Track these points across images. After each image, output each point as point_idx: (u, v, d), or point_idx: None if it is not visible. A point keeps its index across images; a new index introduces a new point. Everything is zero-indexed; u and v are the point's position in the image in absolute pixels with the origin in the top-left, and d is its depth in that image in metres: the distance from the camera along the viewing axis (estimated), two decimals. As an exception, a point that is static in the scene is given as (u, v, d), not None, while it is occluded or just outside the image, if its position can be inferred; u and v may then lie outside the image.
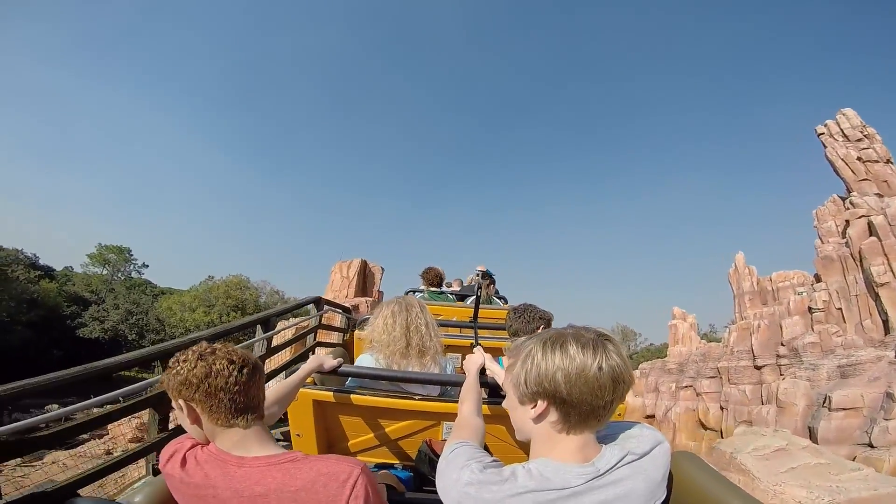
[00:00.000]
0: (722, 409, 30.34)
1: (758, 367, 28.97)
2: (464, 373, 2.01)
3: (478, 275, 3.54)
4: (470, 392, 1.69)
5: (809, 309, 28.08)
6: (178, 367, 1.17)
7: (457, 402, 1.79)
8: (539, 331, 1.69)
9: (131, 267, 57.18)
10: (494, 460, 1.09)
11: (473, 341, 2.44)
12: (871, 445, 21.04)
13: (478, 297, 2.92)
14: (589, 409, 1.01)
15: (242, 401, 1.19)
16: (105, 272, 52.90)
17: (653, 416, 34.85)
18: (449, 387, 2.27)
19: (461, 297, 5.15)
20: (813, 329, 27.31)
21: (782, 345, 28.12)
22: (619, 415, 1.44)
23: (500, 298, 5.55)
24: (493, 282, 5.43)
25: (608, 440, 1.11)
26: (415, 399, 2.13)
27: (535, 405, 1.05)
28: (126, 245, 55.39)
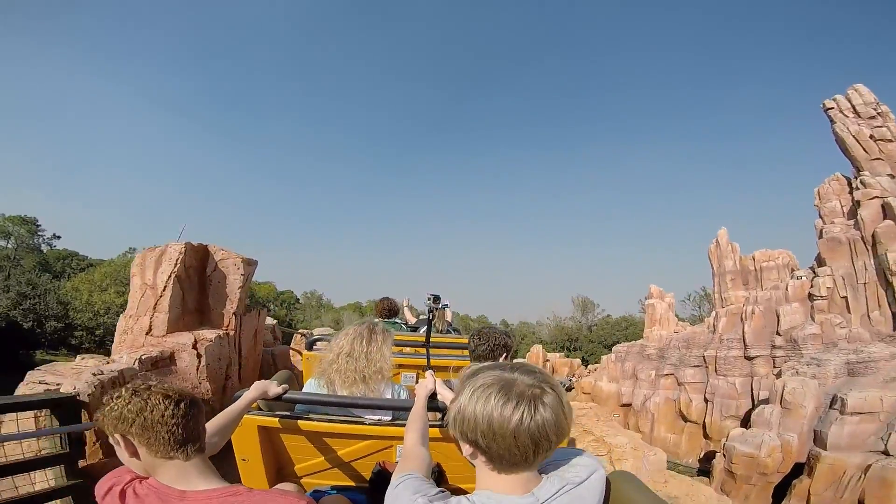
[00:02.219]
0: (706, 401, 27.83)
1: (749, 358, 26.38)
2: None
3: (429, 299, 3.17)
4: (415, 421, 1.74)
5: (810, 296, 25.43)
6: (113, 404, 1.19)
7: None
8: (500, 359, 2.31)
9: (39, 240, 49.40)
10: (441, 492, 1.13)
11: (426, 364, 2.76)
12: (886, 454, 18.65)
13: (430, 321, 3.16)
14: (513, 460, 1.03)
15: (181, 433, 1.20)
16: (9, 246, 45.01)
17: (629, 405, 32.16)
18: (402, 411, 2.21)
19: (414, 329, 5.43)
20: (814, 319, 24.73)
21: (778, 334, 25.53)
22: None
23: (454, 331, 5.86)
24: (444, 307, 5.52)
25: (549, 468, 1.17)
26: (365, 423, 2.10)
27: (465, 446, 1.09)
28: (32, 216, 47.38)
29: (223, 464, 1.55)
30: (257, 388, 1.97)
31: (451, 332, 5.57)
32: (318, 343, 4.25)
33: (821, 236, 26.24)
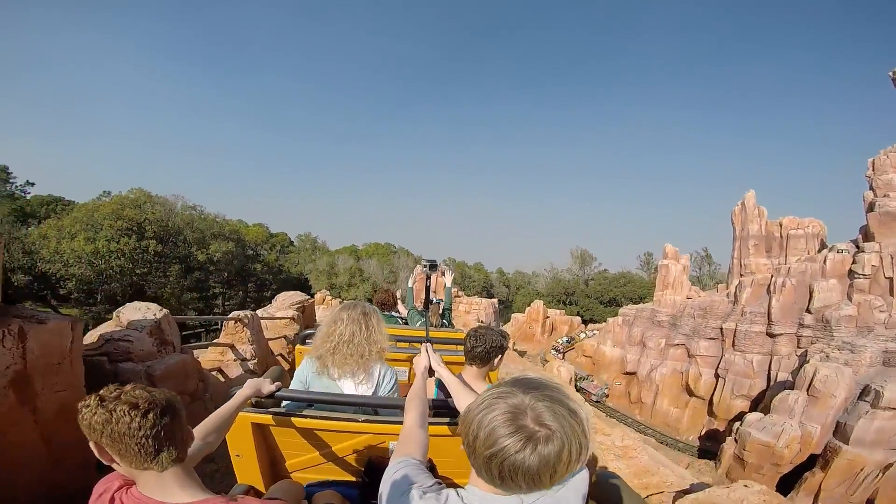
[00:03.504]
0: (717, 377, 26.33)
1: (772, 335, 24.44)
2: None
3: (425, 266, 3.02)
4: (414, 399, 1.72)
5: (850, 272, 22.99)
6: (82, 413, 1.14)
7: (401, 423, 1.69)
8: (495, 362, 2.38)
9: (11, 187, 45.50)
10: (435, 482, 1.17)
11: (425, 336, 2.59)
12: (915, 453, 17.18)
13: (427, 287, 3.07)
14: (486, 477, 1.04)
15: (152, 445, 1.14)
16: None
17: (633, 374, 30.87)
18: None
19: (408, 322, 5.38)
20: (851, 299, 22.47)
21: (808, 312, 23.39)
22: None
23: (449, 324, 5.68)
24: (442, 272, 5.08)
25: None
26: (359, 421, 2.08)
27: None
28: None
29: (217, 457, 1.81)
30: (251, 385, 1.98)
31: (444, 325, 5.34)
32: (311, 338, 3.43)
33: (871, 209, 23.27)
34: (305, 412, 2.10)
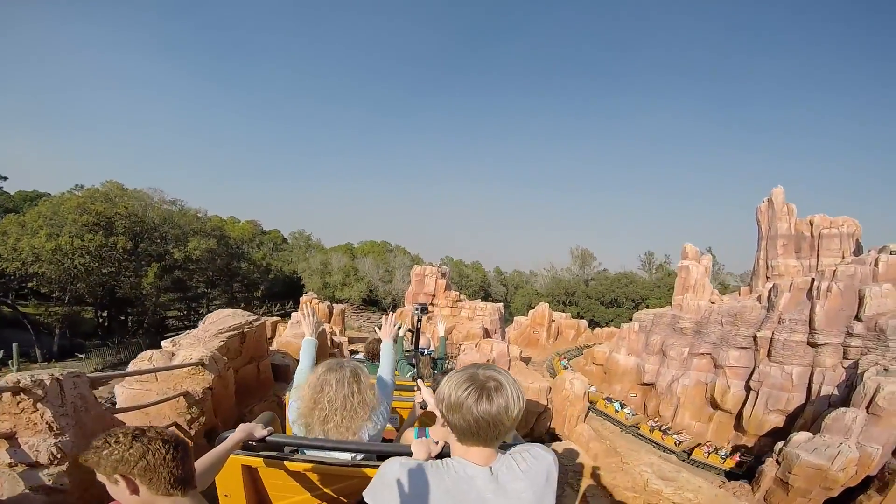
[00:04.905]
0: (749, 389, 23.66)
1: (814, 345, 21.81)
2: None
3: (417, 309, 3.62)
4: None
5: (906, 275, 20.40)
6: (112, 448, 1.26)
7: None
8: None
9: None
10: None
11: (412, 375, 3.03)
12: None
13: (418, 330, 3.76)
14: (467, 434, 1.33)
15: (180, 473, 1.32)
16: None
17: (651, 385, 28.15)
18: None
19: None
20: (909, 304, 19.87)
21: (858, 319, 20.77)
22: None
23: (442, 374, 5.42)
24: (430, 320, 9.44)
25: (509, 451, 1.45)
26: (347, 466, 2.12)
27: (441, 418, 1.49)
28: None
29: (206, 496, 1.61)
30: (243, 430, 2.03)
31: (435, 375, 4.86)
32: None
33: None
34: (295, 456, 2.16)
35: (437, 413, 1.40)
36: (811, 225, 29.15)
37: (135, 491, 1.27)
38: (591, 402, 24.76)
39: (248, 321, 6.80)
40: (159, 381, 4.59)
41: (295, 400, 2.27)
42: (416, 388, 2.60)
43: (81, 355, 27.89)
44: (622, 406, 27.46)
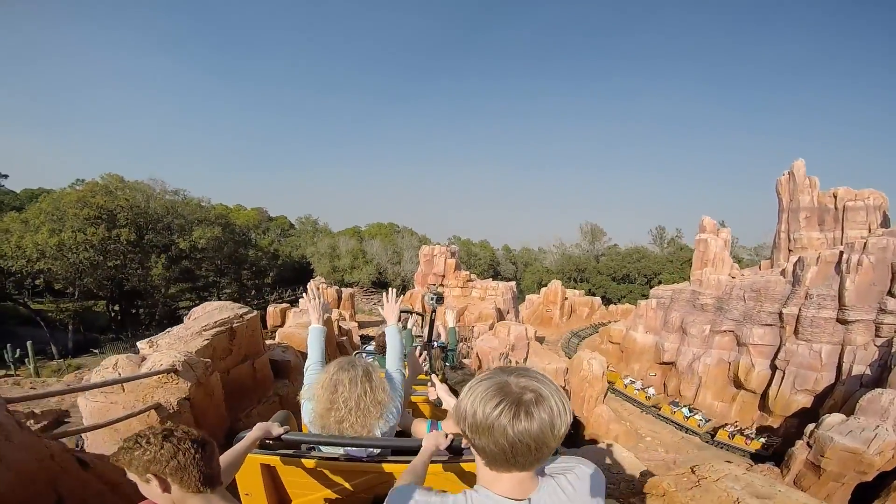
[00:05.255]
0: (775, 368, 23.00)
1: (844, 322, 20.96)
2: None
3: (432, 298, 3.25)
4: (407, 475, 1.73)
5: (945, 247, 19.31)
6: (144, 448, 1.31)
7: (406, 462, 1.89)
8: None
9: None
10: (442, 491, 1.20)
11: (427, 370, 2.88)
12: None
13: (432, 321, 3.39)
14: (498, 459, 1.05)
15: (209, 470, 1.38)
16: None
17: (671, 364, 27.60)
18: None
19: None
20: (948, 277, 18.86)
21: (892, 295, 19.83)
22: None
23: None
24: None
25: (549, 472, 1.21)
26: (363, 461, 2.15)
27: (464, 439, 1.14)
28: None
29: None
30: (260, 428, 2.05)
31: (446, 367, 4.48)
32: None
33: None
34: (312, 453, 2.21)
35: (460, 431, 1.11)
36: (835, 197, 27.96)
37: (167, 489, 1.33)
38: (609, 381, 24.38)
39: (237, 314, 6.12)
40: (127, 393, 3.96)
41: (308, 400, 2.26)
42: (429, 384, 2.52)
43: (96, 350, 27.91)
44: (643, 387, 26.90)
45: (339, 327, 16.71)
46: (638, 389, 26.58)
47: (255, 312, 6.76)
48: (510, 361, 17.15)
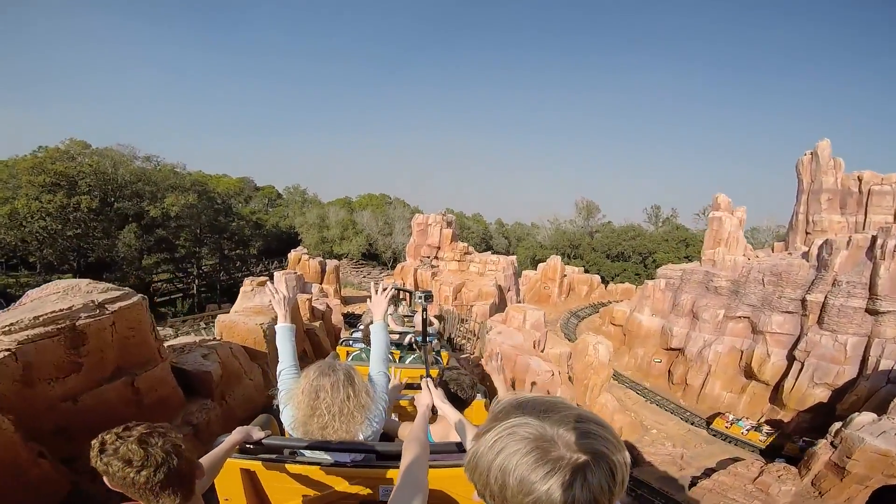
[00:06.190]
0: (792, 359, 21.61)
1: (874, 312, 19.45)
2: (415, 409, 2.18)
3: (420, 297, 3.11)
4: (413, 442, 1.61)
5: None
6: (91, 454, 1.21)
7: (391, 468, 1.78)
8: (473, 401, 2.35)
9: None
10: None
11: (424, 372, 2.52)
12: None
13: (424, 320, 3.10)
14: None
15: (151, 494, 1.22)
16: None
17: (678, 350, 26.17)
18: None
19: (398, 346, 5.42)
20: None
21: (930, 284, 18.27)
22: None
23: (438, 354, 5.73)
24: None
25: None
26: (347, 466, 2.07)
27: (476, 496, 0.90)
28: None
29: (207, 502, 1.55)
30: (240, 432, 1.98)
31: (437, 352, 5.44)
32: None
33: None
34: (294, 458, 2.10)
35: (468, 477, 0.85)
36: (859, 181, 26.31)
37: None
38: (706, 421, 21.56)
39: (91, 302, 3.96)
40: None
41: (287, 405, 2.14)
42: (423, 385, 2.27)
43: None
44: (756, 426, 21.73)
45: (313, 308, 13.86)
46: (746, 430, 20.95)
47: (136, 298, 4.61)
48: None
